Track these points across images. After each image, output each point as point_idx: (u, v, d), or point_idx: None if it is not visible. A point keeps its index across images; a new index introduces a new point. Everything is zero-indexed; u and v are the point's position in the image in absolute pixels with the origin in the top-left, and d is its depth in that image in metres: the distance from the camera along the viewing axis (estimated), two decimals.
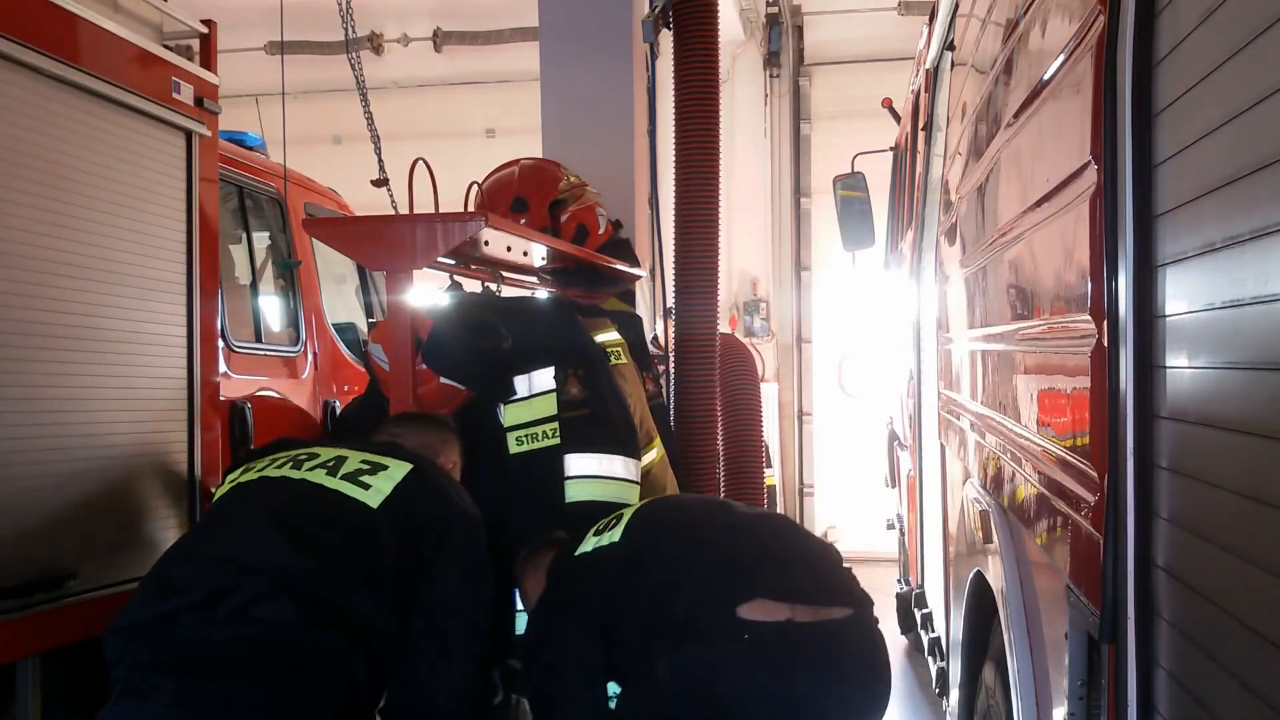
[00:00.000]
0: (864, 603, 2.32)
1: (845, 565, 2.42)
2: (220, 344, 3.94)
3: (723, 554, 2.30)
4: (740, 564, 2.27)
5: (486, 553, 2.43)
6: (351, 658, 2.06)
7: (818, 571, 2.33)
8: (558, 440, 2.84)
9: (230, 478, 2.45)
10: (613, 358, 3.28)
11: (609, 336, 3.35)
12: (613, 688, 2.33)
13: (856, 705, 2.26)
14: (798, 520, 8.66)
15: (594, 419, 2.87)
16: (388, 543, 2.20)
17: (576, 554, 2.53)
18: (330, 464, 2.31)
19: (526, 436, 2.85)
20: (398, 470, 2.31)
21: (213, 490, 2.58)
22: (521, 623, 2.80)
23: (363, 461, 2.32)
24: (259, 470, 2.36)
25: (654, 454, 3.31)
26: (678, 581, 2.27)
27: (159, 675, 1.96)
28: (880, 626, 2.36)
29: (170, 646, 2.01)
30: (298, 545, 2.13)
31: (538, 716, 2.55)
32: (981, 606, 2.76)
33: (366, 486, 2.26)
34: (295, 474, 2.30)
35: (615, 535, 2.47)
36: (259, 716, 1.97)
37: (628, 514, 2.54)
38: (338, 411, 5.16)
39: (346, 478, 2.27)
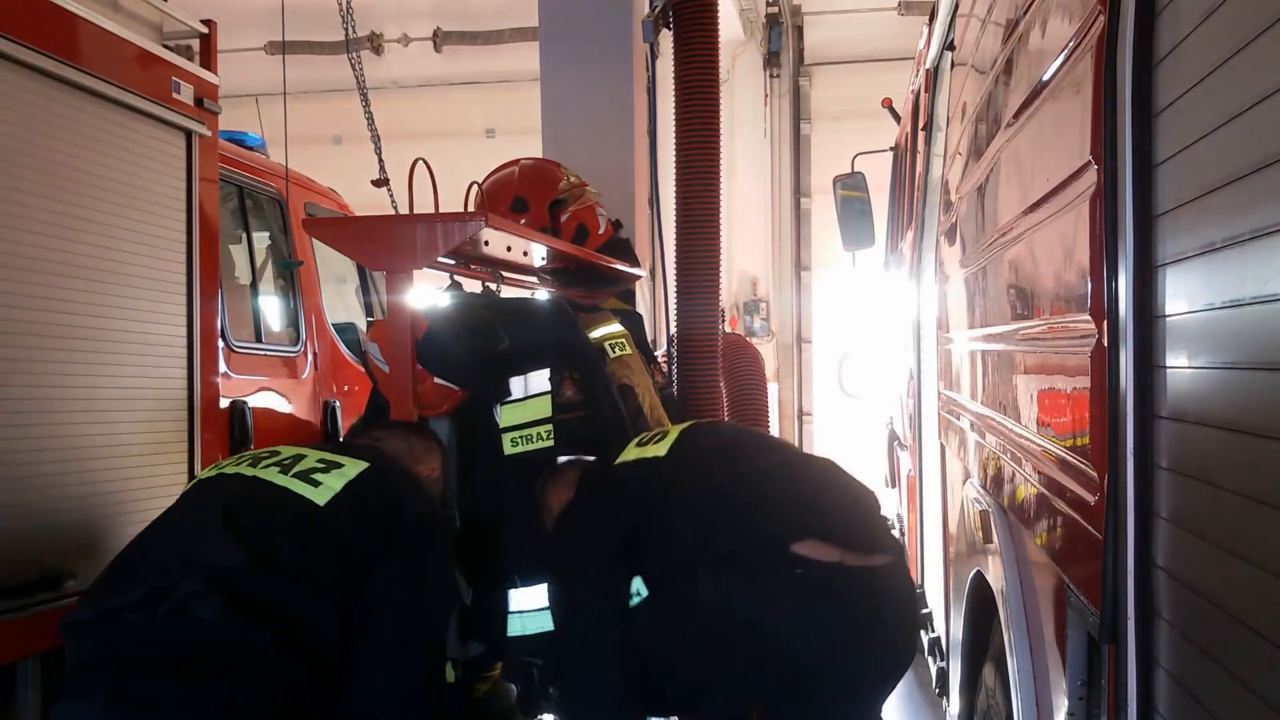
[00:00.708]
0: (900, 551, 2.39)
1: (882, 514, 2.49)
2: (220, 344, 3.94)
3: (776, 491, 2.34)
4: (796, 503, 2.30)
5: (445, 560, 2.35)
6: (286, 659, 1.98)
7: (864, 518, 2.37)
8: (552, 442, 2.84)
9: (198, 476, 2.45)
10: (617, 349, 3.27)
11: (612, 329, 3.35)
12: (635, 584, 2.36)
13: (890, 649, 2.33)
14: None
15: (588, 421, 2.87)
16: (329, 541, 2.12)
17: (617, 462, 2.57)
18: (286, 462, 2.26)
19: (521, 438, 2.85)
20: (352, 468, 2.24)
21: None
22: (515, 624, 2.80)
23: (319, 460, 2.27)
24: (219, 468, 2.35)
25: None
26: (728, 509, 2.30)
27: (99, 674, 1.93)
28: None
29: (111, 646, 1.96)
30: (236, 542, 2.06)
31: (559, 604, 2.56)
32: (981, 606, 2.75)
33: (316, 484, 2.20)
34: (249, 471, 2.25)
35: (661, 450, 2.50)
36: (191, 716, 1.90)
37: (674, 431, 2.58)
38: (338, 412, 5.16)
39: (298, 475, 2.21)
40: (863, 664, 2.28)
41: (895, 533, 6.49)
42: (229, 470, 2.31)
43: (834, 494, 2.40)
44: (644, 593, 2.35)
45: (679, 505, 2.37)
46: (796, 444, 10.18)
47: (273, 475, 2.23)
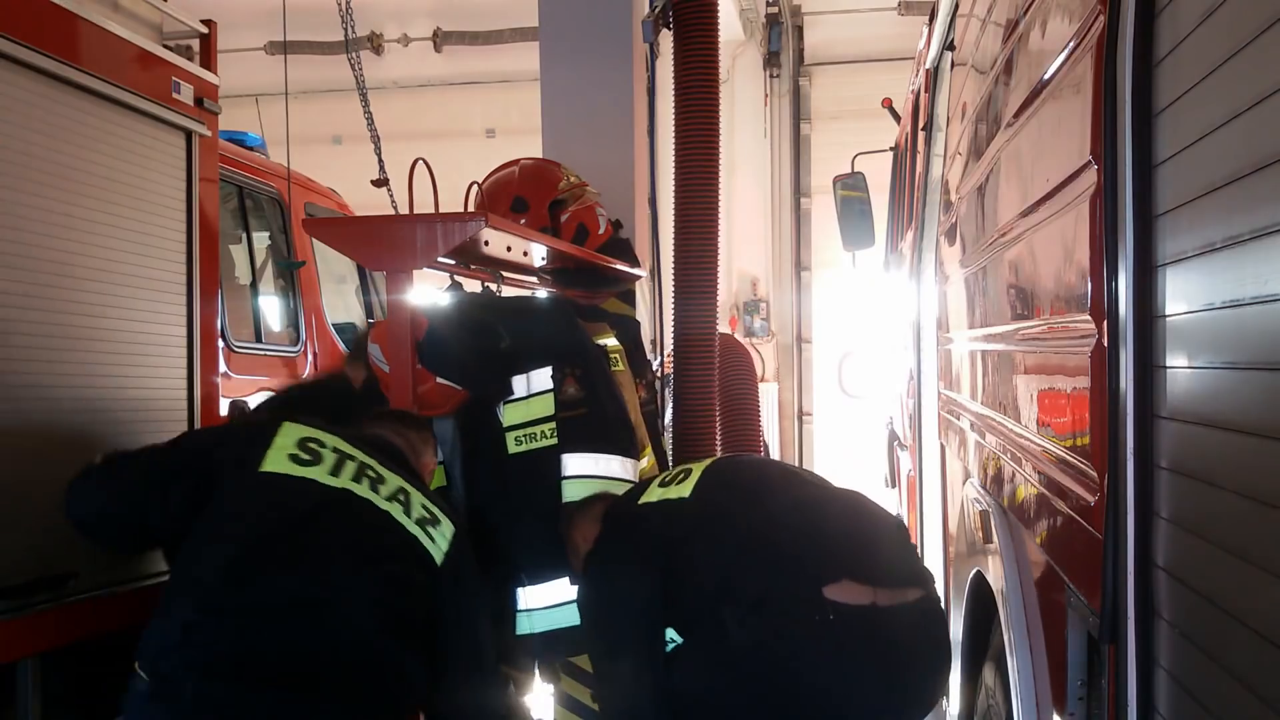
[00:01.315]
0: (930, 581, 2.35)
1: (913, 545, 2.47)
2: (220, 344, 3.94)
3: (804, 532, 2.29)
4: (824, 543, 2.26)
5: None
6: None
7: (894, 552, 2.34)
8: (555, 440, 2.84)
9: (283, 450, 2.31)
10: (610, 364, 3.27)
11: (607, 342, 3.35)
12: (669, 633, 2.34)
13: (926, 682, 2.30)
14: None
15: (591, 419, 2.86)
16: (437, 600, 2.28)
17: (640, 502, 2.54)
18: (400, 498, 2.33)
19: (525, 436, 2.84)
20: (447, 528, 2.36)
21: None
22: (524, 623, 2.80)
23: (423, 506, 2.36)
24: (326, 468, 2.30)
25: (646, 462, 3.30)
26: (755, 552, 2.27)
27: (215, 683, 2.00)
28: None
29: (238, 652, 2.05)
30: (374, 584, 2.18)
31: (594, 657, 2.55)
32: (981, 606, 2.76)
33: (432, 539, 2.31)
34: (375, 499, 2.29)
35: (685, 490, 2.46)
36: None
37: (697, 470, 2.52)
38: None
39: (419, 523, 2.31)
40: (899, 701, 2.24)
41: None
42: (350, 486, 2.29)
43: (863, 530, 2.35)
44: (677, 639, 2.32)
45: (704, 549, 2.33)
46: (795, 447, 10.19)
47: (400, 515, 2.29)
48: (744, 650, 2.18)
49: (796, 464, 10.10)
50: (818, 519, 2.35)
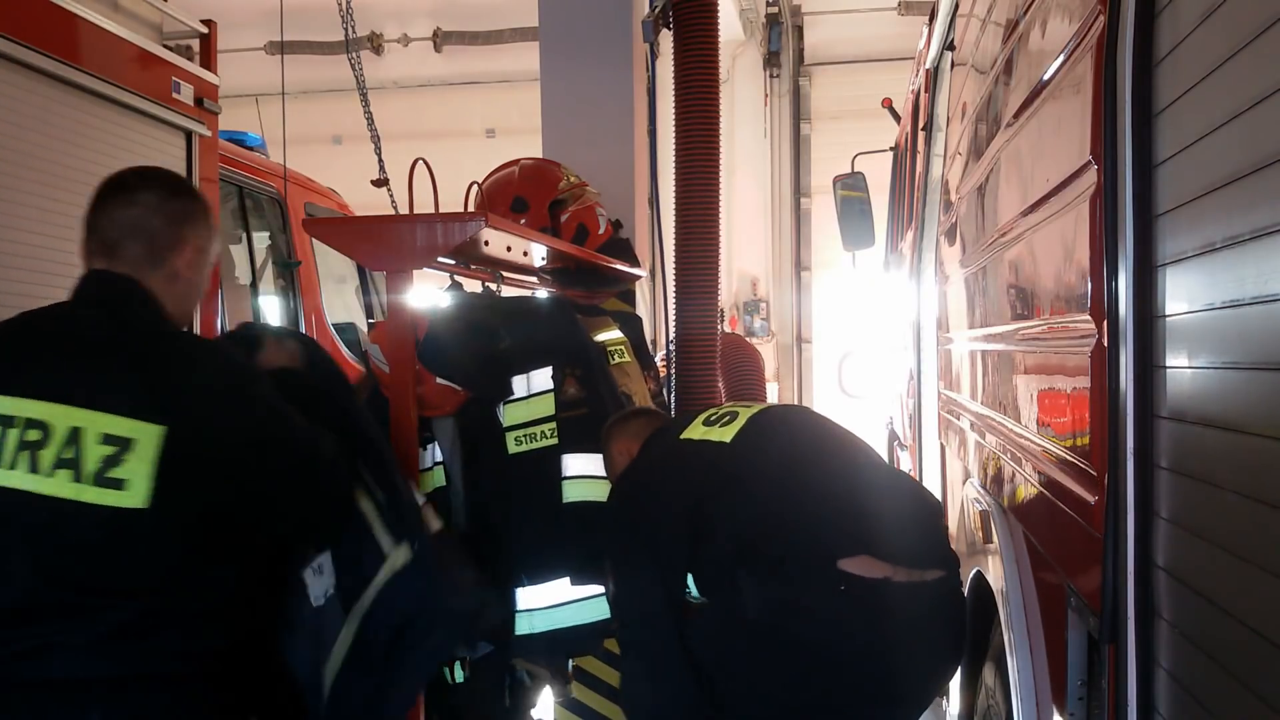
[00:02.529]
0: (954, 564, 2.34)
1: (944, 525, 2.46)
2: None
3: (834, 502, 2.27)
4: (850, 516, 2.24)
5: None
6: None
7: (922, 533, 2.32)
8: (556, 440, 2.84)
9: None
10: (616, 356, 3.27)
11: (611, 335, 3.35)
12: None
13: (936, 662, 2.30)
14: None
15: (592, 419, 2.86)
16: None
17: (682, 437, 2.50)
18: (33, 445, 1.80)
19: (525, 436, 2.84)
20: (144, 446, 1.81)
21: None
22: (524, 623, 2.80)
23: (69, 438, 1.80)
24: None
25: None
26: (781, 515, 2.25)
27: None
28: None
29: None
30: None
31: (612, 593, 2.51)
32: (981, 606, 2.76)
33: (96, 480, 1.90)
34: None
35: (727, 435, 2.42)
36: None
37: (744, 415, 2.48)
38: None
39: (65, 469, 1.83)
40: (903, 678, 2.23)
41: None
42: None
43: (892, 507, 2.32)
44: (694, 592, 2.32)
45: (729, 508, 2.30)
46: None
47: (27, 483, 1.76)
48: (756, 617, 2.18)
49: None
50: (847, 490, 2.31)
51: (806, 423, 2.58)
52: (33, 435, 1.72)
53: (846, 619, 2.15)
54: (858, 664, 2.17)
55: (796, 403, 10.43)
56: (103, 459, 1.70)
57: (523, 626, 2.80)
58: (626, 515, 2.46)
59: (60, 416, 1.72)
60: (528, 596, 2.81)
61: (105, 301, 1.88)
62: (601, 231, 3.66)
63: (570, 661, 3.06)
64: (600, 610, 2.72)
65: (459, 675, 2.75)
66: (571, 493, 2.81)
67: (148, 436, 1.72)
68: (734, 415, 2.48)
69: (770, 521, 2.25)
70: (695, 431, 2.49)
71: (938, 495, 4.12)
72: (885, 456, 6.80)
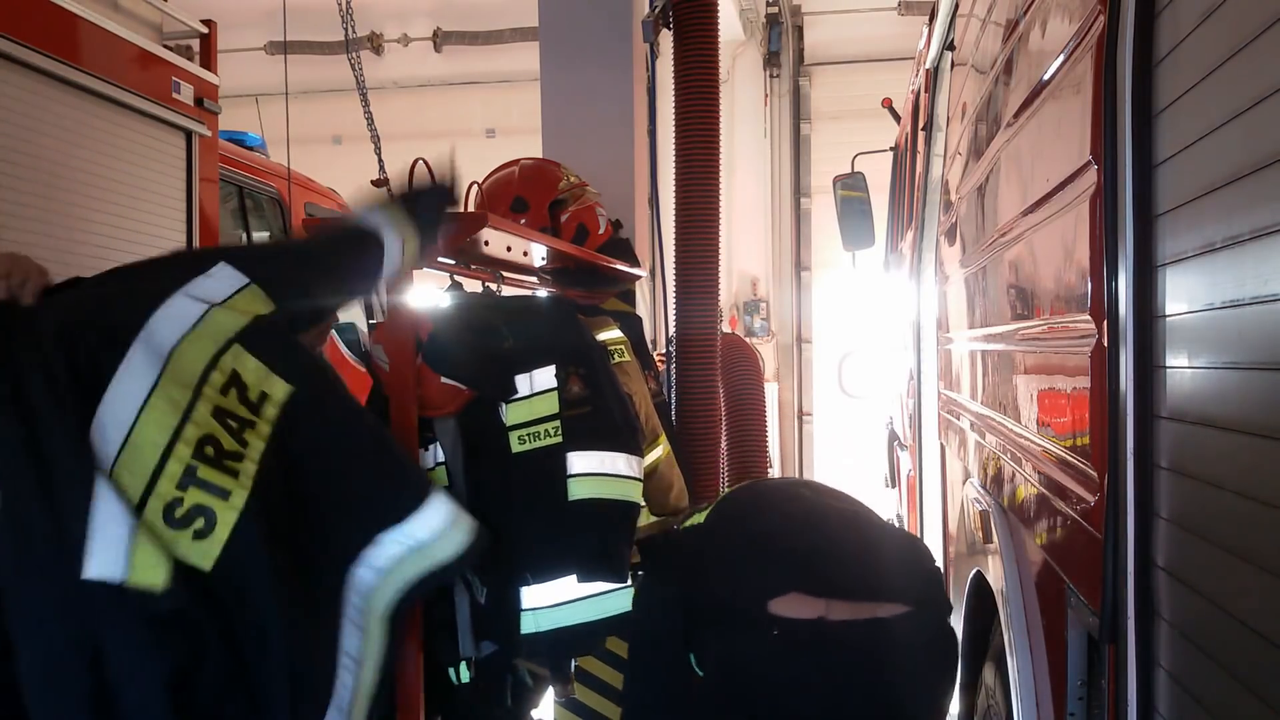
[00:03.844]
0: (925, 603, 2.20)
1: (926, 563, 2.29)
2: None
3: (771, 545, 2.23)
4: (782, 557, 2.18)
5: None
6: None
7: (872, 568, 2.19)
8: (560, 439, 2.83)
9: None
10: (616, 355, 3.27)
11: (611, 335, 3.35)
12: None
13: (895, 703, 2.15)
14: None
15: (596, 417, 2.86)
16: None
17: (674, 528, 2.61)
18: None
19: (528, 435, 2.84)
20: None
21: None
22: (529, 622, 2.80)
23: None
24: None
25: (660, 451, 3.31)
26: (721, 567, 2.27)
27: None
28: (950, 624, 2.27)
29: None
30: None
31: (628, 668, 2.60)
32: (981, 606, 2.76)
33: None
34: None
35: (702, 517, 2.49)
36: None
37: (724, 494, 2.58)
38: None
39: None
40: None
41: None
42: None
43: (836, 541, 2.23)
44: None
45: (701, 574, 2.33)
46: (795, 447, 10.16)
47: None
48: (711, 673, 2.18)
49: (796, 465, 10.09)
50: (786, 532, 2.25)
51: (770, 484, 2.68)
52: None
53: (783, 664, 2.09)
54: (801, 710, 2.10)
55: (796, 399, 10.43)
56: None
57: (528, 625, 2.80)
58: (633, 613, 2.59)
59: None
60: (532, 595, 2.81)
61: None
62: (601, 231, 3.66)
63: (573, 662, 3.06)
64: (605, 608, 2.72)
65: (464, 675, 2.75)
66: (577, 491, 2.81)
67: None
68: (715, 499, 2.59)
69: (713, 576, 2.26)
70: (687, 521, 2.57)
71: (938, 495, 4.12)
72: (885, 456, 6.80)
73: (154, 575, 1.64)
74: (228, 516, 1.73)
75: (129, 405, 1.71)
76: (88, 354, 1.73)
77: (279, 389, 1.88)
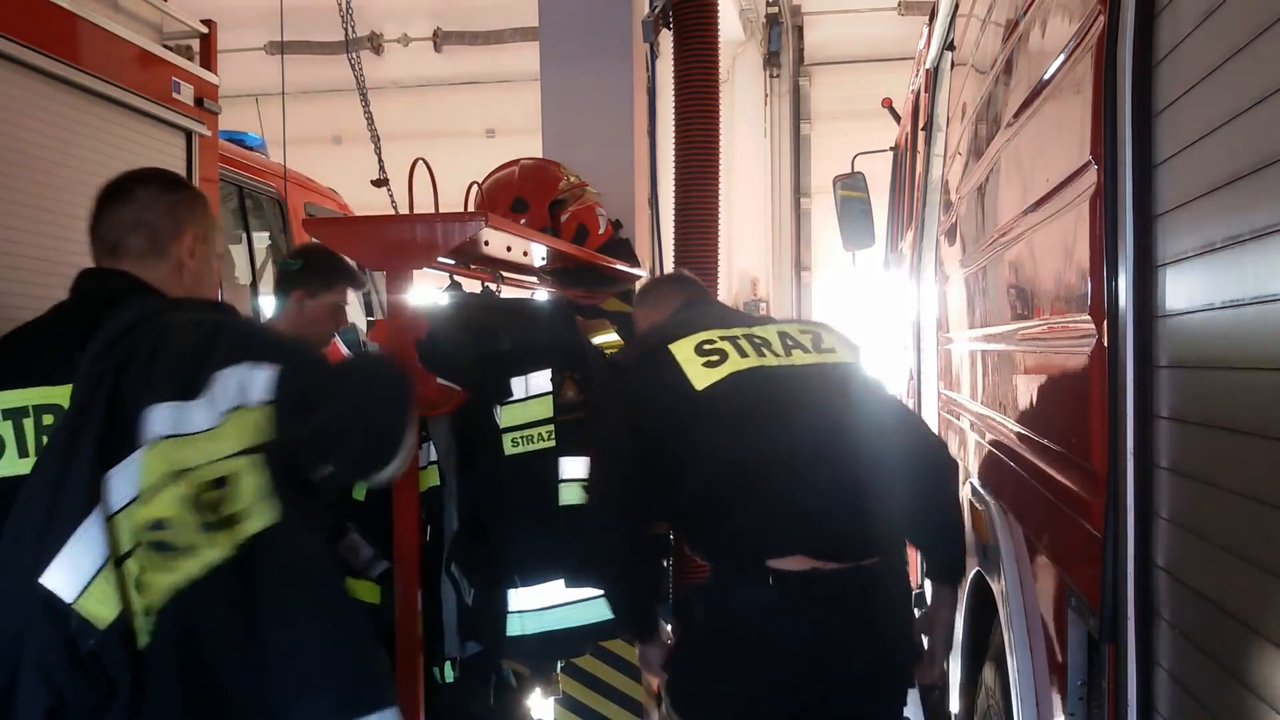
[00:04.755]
0: (894, 550, 2.37)
1: (896, 517, 2.38)
2: None
3: (771, 505, 2.28)
4: (784, 519, 2.26)
5: None
6: None
7: (862, 524, 2.30)
8: (553, 443, 2.83)
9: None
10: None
11: (608, 338, 3.35)
12: None
13: (874, 642, 2.30)
14: None
15: (590, 422, 2.86)
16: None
17: (671, 348, 2.49)
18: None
19: (522, 438, 2.84)
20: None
21: None
22: (515, 624, 2.80)
23: None
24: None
25: None
26: (724, 518, 2.30)
27: None
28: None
29: None
30: None
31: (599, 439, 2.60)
32: (981, 606, 2.76)
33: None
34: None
35: (699, 380, 2.39)
36: None
37: (726, 368, 2.40)
38: None
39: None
40: (846, 660, 2.26)
41: None
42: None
43: (830, 504, 2.29)
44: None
45: (681, 465, 2.33)
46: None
47: None
48: (702, 619, 2.31)
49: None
50: (789, 493, 2.30)
51: (779, 399, 2.41)
52: (48, 419, 1.77)
53: (776, 609, 2.22)
54: (795, 649, 2.22)
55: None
56: None
57: (514, 627, 2.80)
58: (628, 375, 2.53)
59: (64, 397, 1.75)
60: (520, 598, 2.81)
61: (100, 295, 1.89)
62: (601, 231, 3.66)
63: (559, 664, 3.06)
64: (593, 613, 2.72)
65: (448, 675, 2.75)
66: (567, 495, 2.81)
67: None
68: (721, 358, 2.40)
69: (711, 494, 2.31)
70: (683, 350, 2.43)
71: None
72: None
73: (102, 610, 1.62)
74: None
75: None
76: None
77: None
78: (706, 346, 2.41)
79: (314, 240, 3.08)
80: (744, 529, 2.27)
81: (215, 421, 1.69)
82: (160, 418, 1.69)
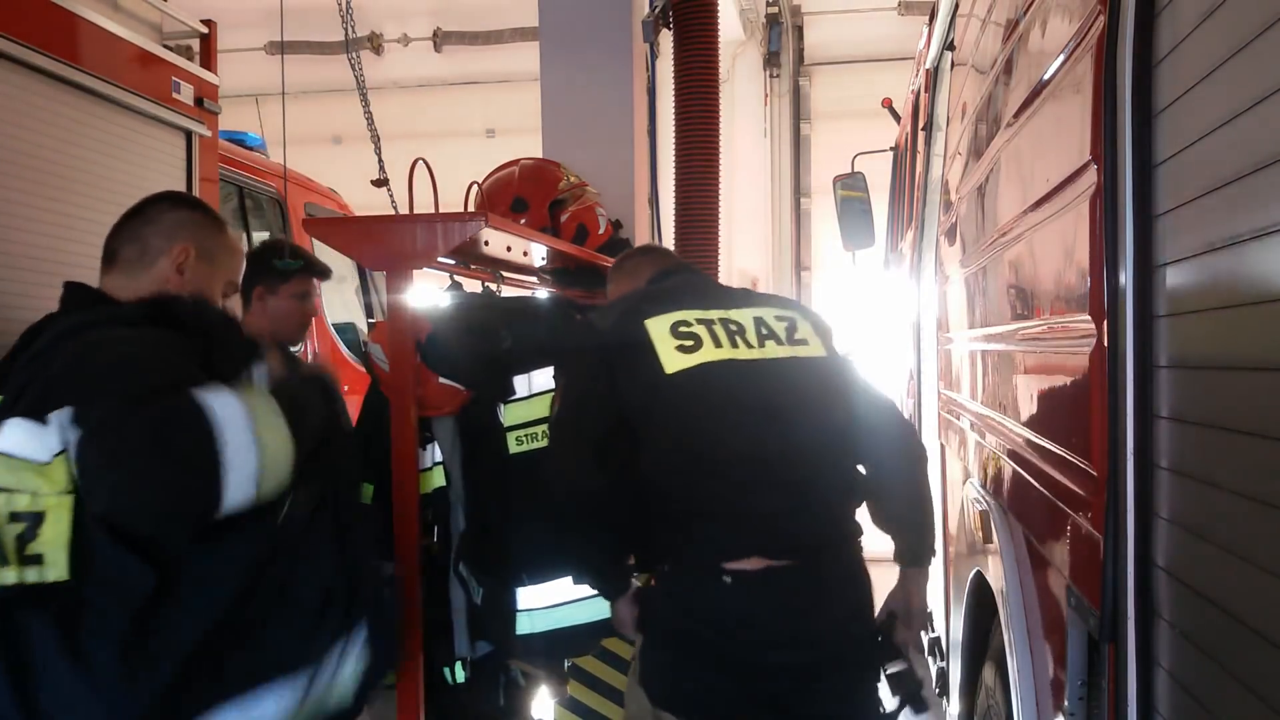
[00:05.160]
0: (848, 537, 2.38)
1: (852, 505, 2.40)
2: None
3: (731, 508, 2.28)
4: (745, 523, 2.27)
5: None
6: None
7: (817, 520, 2.32)
8: None
9: None
10: None
11: None
12: None
13: (831, 630, 2.31)
14: None
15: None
16: None
17: (647, 324, 2.46)
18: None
19: (526, 436, 2.85)
20: None
21: None
22: (524, 623, 2.80)
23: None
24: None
25: None
26: (683, 522, 2.31)
27: None
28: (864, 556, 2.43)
29: None
30: None
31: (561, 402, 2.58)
32: (981, 606, 2.76)
33: None
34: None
35: (670, 364, 2.36)
36: None
37: (698, 357, 2.38)
38: None
39: None
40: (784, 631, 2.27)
41: None
42: None
43: (789, 504, 2.30)
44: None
45: (653, 432, 2.33)
46: None
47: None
48: (658, 612, 2.35)
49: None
50: (748, 497, 2.29)
51: (747, 395, 2.37)
52: None
53: (732, 602, 2.24)
54: (751, 636, 2.24)
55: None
56: None
57: (523, 626, 2.81)
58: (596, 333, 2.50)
59: None
60: (528, 596, 2.81)
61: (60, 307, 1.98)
62: (601, 231, 3.67)
63: (567, 662, 3.06)
64: (600, 609, 2.72)
65: (459, 675, 2.75)
66: None
67: None
68: (695, 345, 2.37)
69: (679, 518, 2.30)
70: (658, 327, 2.39)
71: (938, 495, 4.12)
72: None
73: None
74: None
75: None
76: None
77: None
78: (682, 329, 2.38)
79: (276, 236, 3.07)
80: (704, 537, 2.27)
81: (47, 458, 1.69)
82: (8, 432, 1.70)
